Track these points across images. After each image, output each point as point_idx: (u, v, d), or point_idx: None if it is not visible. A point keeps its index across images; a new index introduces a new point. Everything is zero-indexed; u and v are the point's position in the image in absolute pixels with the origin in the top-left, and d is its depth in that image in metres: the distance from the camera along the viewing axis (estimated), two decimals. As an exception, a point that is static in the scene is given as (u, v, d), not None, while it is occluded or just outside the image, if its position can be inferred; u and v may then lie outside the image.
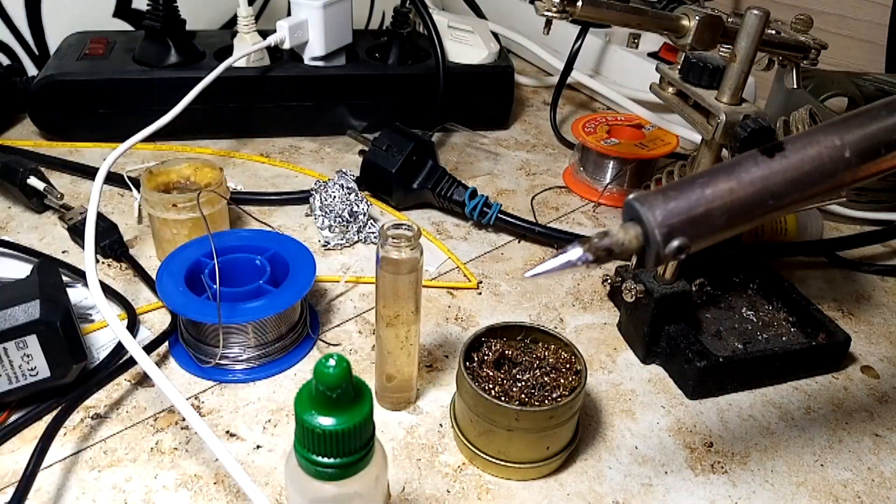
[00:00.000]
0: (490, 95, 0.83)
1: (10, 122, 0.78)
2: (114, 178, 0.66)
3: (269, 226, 0.65)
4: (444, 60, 0.78)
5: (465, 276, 0.61)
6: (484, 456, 0.43)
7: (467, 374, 0.43)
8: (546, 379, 0.44)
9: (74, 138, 0.75)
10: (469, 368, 0.44)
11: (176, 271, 0.50)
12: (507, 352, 0.45)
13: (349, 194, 0.63)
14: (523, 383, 0.44)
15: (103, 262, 0.59)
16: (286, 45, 0.74)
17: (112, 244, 0.58)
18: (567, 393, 0.43)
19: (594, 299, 0.59)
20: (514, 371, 0.45)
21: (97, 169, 0.55)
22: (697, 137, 0.75)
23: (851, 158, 0.31)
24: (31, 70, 0.83)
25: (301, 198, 0.67)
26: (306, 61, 0.77)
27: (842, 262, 0.65)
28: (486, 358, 0.45)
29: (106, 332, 0.51)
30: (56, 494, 0.41)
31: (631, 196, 0.30)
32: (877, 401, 0.51)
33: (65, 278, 0.51)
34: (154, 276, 0.55)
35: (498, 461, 0.43)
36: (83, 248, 0.50)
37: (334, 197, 0.63)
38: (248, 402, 0.47)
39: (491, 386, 0.43)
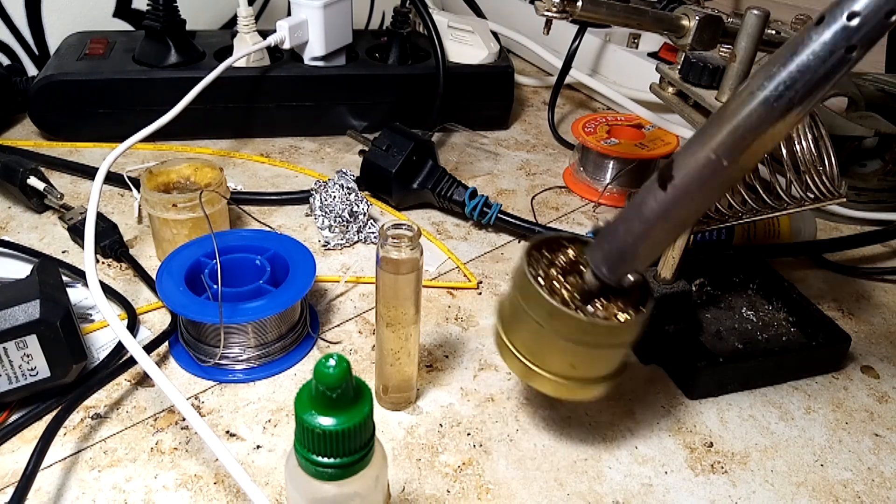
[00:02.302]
0: (490, 95, 0.83)
1: (10, 122, 0.78)
2: (114, 178, 0.66)
3: (269, 226, 0.65)
4: (444, 60, 0.78)
5: (465, 276, 0.61)
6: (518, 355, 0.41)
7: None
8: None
9: (74, 138, 0.75)
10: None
11: (176, 271, 0.50)
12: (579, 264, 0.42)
13: (349, 194, 0.63)
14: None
15: (103, 262, 0.59)
16: (286, 45, 0.74)
17: (112, 244, 0.58)
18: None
19: (594, 299, 0.59)
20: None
21: (97, 169, 0.55)
22: (697, 137, 0.75)
23: (729, 165, 0.32)
24: (31, 70, 0.83)
25: (301, 198, 0.67)
26: (306, 61, 0.77)
27: (828, 266, 0.64)
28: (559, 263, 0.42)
29: (106, 332, 0.51)
30: (56, 494, 0.41)
31: (587, 251, 0.39)
32: (877, 401, 0.51)
33: (65, 278, 0.51)
34: (154, 276, 0.55)
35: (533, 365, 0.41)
36: (83, 248, 0.50)
37: (334, 197, 0.63)
38: (248, 402, 0.47)
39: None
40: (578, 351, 0.40)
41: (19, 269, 0.57)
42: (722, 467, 0.45)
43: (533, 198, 0.72)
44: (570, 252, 0.43)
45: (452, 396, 0.49)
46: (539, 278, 0.41)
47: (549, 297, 0.39)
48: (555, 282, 0.41)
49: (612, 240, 0.37)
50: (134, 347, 0.42)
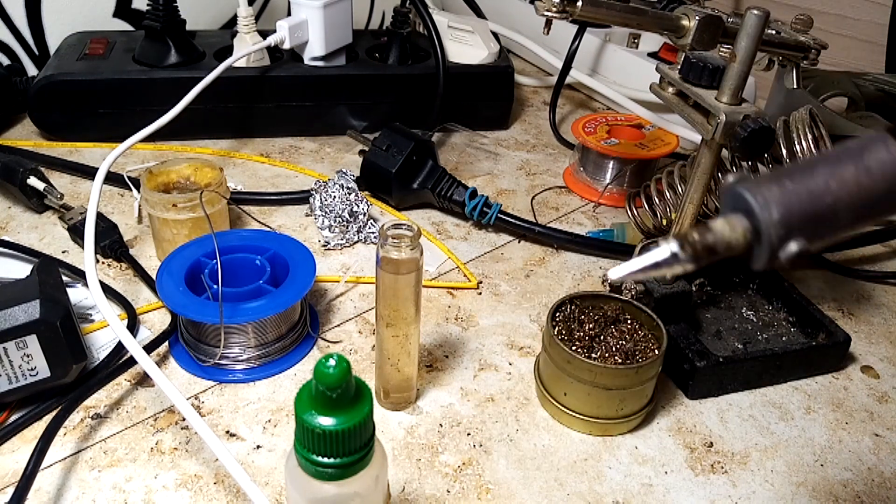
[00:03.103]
0: (490, 95, 0.83)
1: (10, 122, 0.78)
2: (114, 178, 0.66)
3: (269, 226, 0.65)
4: (444, 60, 0.78)
5: (465, 276, 0.61)
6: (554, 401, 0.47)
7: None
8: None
9: (74, 138, 0.75)
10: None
11: (176, 271, 0.50)
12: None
13: (349, 194, 0.63)
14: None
15: (103, 262, 0.59)
16: (286, 45, 0.74)
17: (112, 244, 0.58)
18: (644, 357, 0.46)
19: (594, 299, 0.59)
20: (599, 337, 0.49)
21: (97, 169, 0.55)
22: (697, 137, 0.75)
23: None
24: (31, 70, 0.83)
25: (301, 198, 0.67)
26: (306, 61, 0.77)
27: (828, 266, 0.64)
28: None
29: (106, 332, 0.51)
30: (56, 494, 0.41)
31: (735, 181, 0.24)
32: (877, 401, 0.51)
33: (65, 278, 0.51)
34: (154, 276, 0.55)
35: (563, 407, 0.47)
36: (83, 248, 0.50)
37: (334, 197, 0.63)
38: (248, 402, 0.47)
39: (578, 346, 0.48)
40: (596, 392, 0.45)
41: (19, 269, 0.57)
42: (722, 467, 0.45)
43: (533, 198, 0.72)
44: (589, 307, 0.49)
45: (452, 396, 0.49)
46: (560, 328, 0.48)
47: (566, 345, 0.45)
48: (577, 331, 0.48)
49: (803, 190, 0.24)
50: (134, 347, 0.42)
